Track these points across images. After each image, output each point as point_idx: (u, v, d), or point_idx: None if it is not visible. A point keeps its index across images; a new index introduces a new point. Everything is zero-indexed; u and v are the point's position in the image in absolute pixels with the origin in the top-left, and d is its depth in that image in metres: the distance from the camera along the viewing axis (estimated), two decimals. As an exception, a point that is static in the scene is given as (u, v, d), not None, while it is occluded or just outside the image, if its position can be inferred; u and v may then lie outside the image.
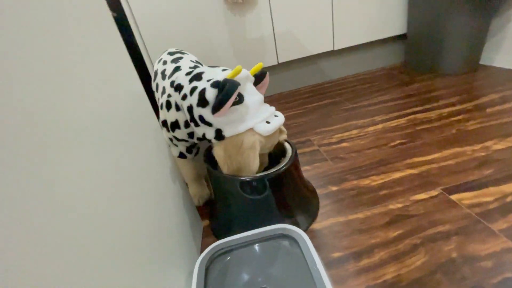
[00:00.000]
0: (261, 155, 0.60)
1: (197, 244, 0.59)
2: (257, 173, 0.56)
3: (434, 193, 0.63)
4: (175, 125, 0.59)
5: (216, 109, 0.49)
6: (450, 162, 0.72)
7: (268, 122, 0.54)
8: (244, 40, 1.38)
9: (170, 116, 0.59)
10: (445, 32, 1.24)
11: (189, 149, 0.67)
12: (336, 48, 1.47)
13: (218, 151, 0.55)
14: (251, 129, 0.53)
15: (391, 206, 0.62)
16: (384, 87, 1.32)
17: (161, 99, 0.62)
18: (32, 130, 0.20)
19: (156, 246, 0.39)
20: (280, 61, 1.43)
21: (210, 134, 0.54)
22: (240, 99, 0.51)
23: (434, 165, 0.72)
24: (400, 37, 1.58)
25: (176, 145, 0.66)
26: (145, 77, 1.31)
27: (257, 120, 0.53)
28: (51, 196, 0.21)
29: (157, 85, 0.68)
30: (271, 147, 0.60)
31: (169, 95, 0.58)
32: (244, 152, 0.53)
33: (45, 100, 0.23)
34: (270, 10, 1.35)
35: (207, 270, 0.47)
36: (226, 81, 0.49)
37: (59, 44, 0.26)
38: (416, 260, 0.50)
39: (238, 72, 0.51)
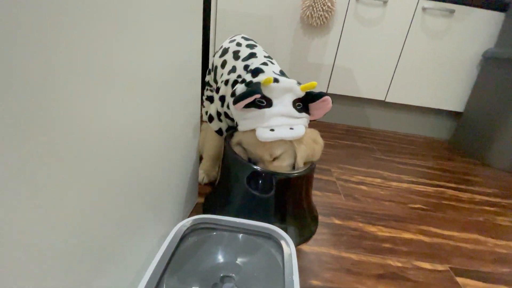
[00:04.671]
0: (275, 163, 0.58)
1: (184, 214, 0.58)
2: None
3: (440, 267, 0.58)
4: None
5: (234, 101, 0.53)
6: (467, 245, 0.66)
7: (272, 130, 0.53)
8: (302, 61, 1.40)
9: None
10: (505, 124, 1.18)
11: (228, 129, 0.68)
12: (387, 100, 1.44)
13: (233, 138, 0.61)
14: (253, 130, 0.55)
15: (390, 262, 0.57)
16: (421, 153, 1.26)
17: (227, 76, 0.65)
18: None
19: (147, 196, 0.38)
20: (329, 91, 1.42)
21: (235, 122, 0.60)
22: (266, 105, 0.54)
23: (449, 242, 0.66)
24: (454, 115, 1.53)
25: (221, 121, 0.67)
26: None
27: (262, 124, 0.54)
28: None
29: (224, 61, 0.69)
30: (275, 155, 0.57)
31: (239, 76, 0.62)
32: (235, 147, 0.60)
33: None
34: (339, 43, 1.36)
35: (182, 238, 0.45)
36: (253, 84, 0.54)
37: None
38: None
39: (268, 81, 0.53)
